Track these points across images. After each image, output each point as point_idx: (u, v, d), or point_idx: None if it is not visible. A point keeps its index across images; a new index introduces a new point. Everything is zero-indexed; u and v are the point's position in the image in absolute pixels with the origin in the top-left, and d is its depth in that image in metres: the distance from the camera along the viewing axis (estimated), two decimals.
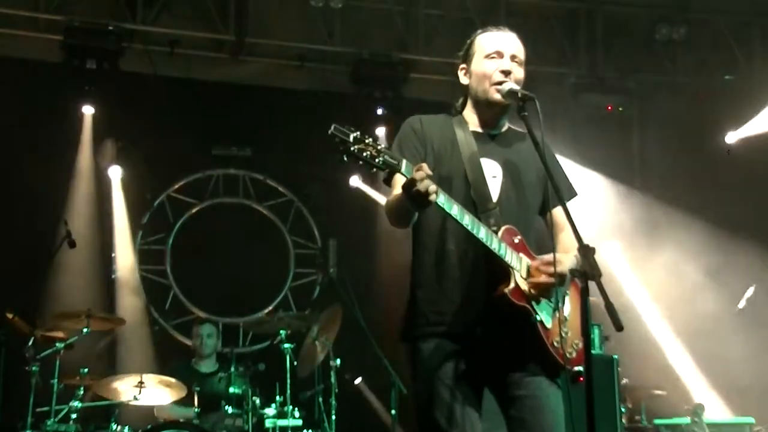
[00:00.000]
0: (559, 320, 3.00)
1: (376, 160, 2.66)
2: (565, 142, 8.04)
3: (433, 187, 2.69)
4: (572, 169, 7.22)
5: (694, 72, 9.36)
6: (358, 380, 7.78)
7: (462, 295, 2.99)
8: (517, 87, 3.05)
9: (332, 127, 2.63)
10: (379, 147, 2.67)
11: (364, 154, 2.64)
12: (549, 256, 2.94)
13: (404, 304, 3.16)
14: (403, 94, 8.84)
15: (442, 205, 2.80)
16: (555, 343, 2.98)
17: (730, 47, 9.31)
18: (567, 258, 2.98)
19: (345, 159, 2.65)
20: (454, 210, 2.83)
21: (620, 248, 8.99)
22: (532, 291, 2.96)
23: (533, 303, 2.96)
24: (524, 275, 2.96)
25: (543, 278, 2.94)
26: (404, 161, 2.72)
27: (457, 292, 2.99)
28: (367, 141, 2.65)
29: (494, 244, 2.91)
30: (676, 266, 8.28)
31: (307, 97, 8.80)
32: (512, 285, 2.92)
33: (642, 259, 8.78)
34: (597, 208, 8.53)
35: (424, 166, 2.70)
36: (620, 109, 9.29)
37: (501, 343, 2.96)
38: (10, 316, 5.83)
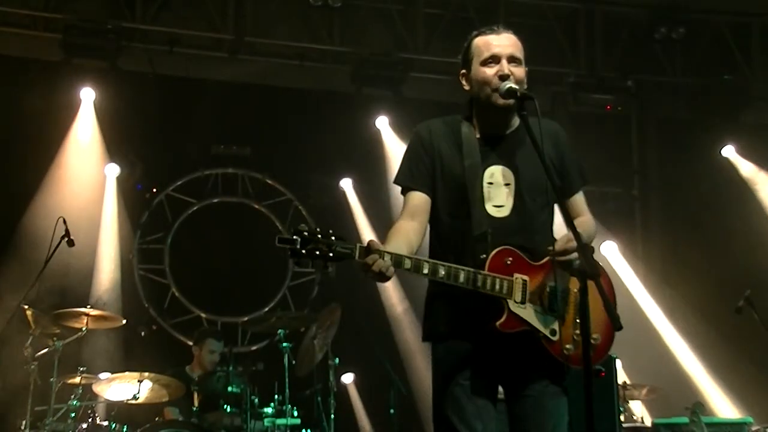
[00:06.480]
0: (566, 326, 2.96)
1: (329, 254, 2.67)
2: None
3: (386, 265, 2.71)
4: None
5: (693, 72, 9.35)
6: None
7: (471, 304, 2.95)
8: (516, 86, 2.99)
9: (276, 239, 2.66)
10: (330, 240, 2.68)
11: (316, 252, 2.66)
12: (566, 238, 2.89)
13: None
14: (403, 94, 8.83)
15: (408, 271, 2.81)
16: (565, 351, 2.95)
17: (729, 47, 9.30)
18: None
19: (298, 264, 2.66)
20: (425, 269, 2.83)
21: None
22: (539, 299, 2.93)
23: (535, 319, 2.92)
24: (519, 299, 2.92)
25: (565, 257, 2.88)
26: (358, 246, 2.72)
27: (466, 301, 2.96)
28: (317, 238, 2.66)
29: (478, 282, 2.88)
30: None
31: (307, 97, 8.79)
32: (503, 318, 2.89)
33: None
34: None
35: (374, 243, 2.72)
36: (619, 108, 9.28)
37: (508, 353, 2.97)
38: (26, 307, 5.81)
